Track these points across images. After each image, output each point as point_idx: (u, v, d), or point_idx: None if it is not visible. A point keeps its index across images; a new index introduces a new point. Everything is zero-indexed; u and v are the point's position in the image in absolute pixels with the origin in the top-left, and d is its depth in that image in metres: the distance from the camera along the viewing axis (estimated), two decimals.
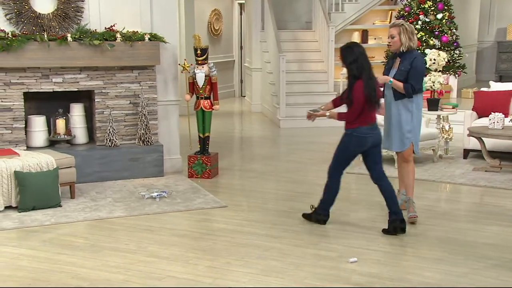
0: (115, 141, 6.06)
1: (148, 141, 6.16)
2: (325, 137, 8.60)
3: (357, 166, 6.73)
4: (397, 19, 9.48)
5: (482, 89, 7.77)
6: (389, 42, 4.72)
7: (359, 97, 4.27)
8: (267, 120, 10.28)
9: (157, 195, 5.35)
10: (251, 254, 4.11)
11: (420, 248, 4.28)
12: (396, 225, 4.44)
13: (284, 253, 4.10)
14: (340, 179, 4.62)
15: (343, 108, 4.48)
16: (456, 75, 9.68)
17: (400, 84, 4.62)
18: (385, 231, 4.48)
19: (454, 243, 4.33)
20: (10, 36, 5.57)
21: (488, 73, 12.63)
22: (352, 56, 4.32)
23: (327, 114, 4.50)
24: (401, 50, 4.68)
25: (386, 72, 4.83)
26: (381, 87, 4.96)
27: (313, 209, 4.76)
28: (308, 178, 6.30)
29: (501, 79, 11.95)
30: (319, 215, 4.70)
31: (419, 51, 6.62)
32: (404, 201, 4.91)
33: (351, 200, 5.60)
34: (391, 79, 4.66)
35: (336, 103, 4.66)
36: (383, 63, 10.07)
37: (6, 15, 5.72)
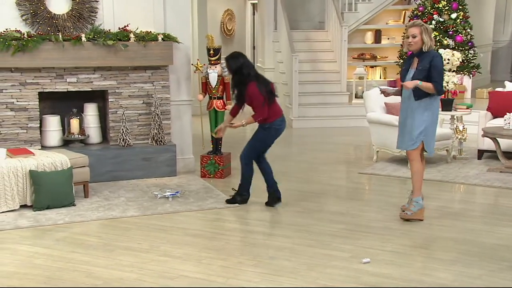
0: (128, 141, 6.09)
1: (161, 141, 6.19)
2: (337, 137, 8.59)
3: (370, 167, 6.71)
4: (411, 19, 9.43)
5: (497, 89, 7.69)
6: (410, 42, 4.67)
7: (258, 96, 4.80)
8: None
9: (170, 194, 5.38)
10: (264, 254, 4.11)
11: (434, 249, 4.26)
12: (274, 195, 5.15)
13: (296, 253, 4.10)
14: (253, 165, 5.13)
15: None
16: (471, 75, 9.60)
17: (430, 85, 4.59)
18: (266, 204, 5.15)
19: (468, 244, 4.30)
20: (26, 37, 5.63)
21: (503, 73, 12.50)
22: (237, 63, 4.90)
23: (244, 122, 4.94)
24: (422, 50, 4.66)
25: (404, 73, 4.80)
26: (396, 87, 4.94)
27: (235, 192, 5.19)
28: (320, 178, 6.29)
29: None
30: (243, 195, 5.17)
31: None
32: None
33: (364, 201, 5.58)
34: (420, 82, 4.61)
35: (235, 112, 5.15)
36: (396, 63, 10.02)
37: (22, 15, 5.78)
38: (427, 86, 4.60)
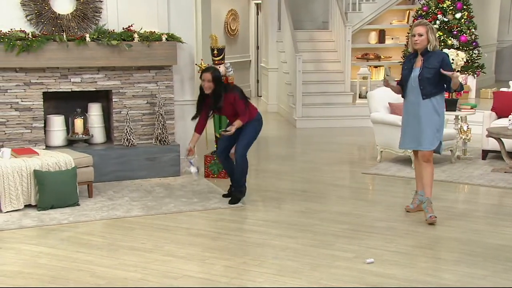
0: (132, 141, 6.10)
1: (165, 140, 6.20)
2: (341, 138, 8.58)
3: (373, 167, 6.70)
4: (416, 18, 9.41)
5: (502, 89, 7.67)
6: (416, 40, 4.67)
7: (241, 103, 5.12)
8: (283, 120, 10.28)
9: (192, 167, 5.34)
10: (267, 254, 4.12)
11: (438, 249, 4.25)
12: (237, 195, 5.28)
13: (300, 253, 4.10)
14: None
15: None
16: (475, 75, 9.58)
17: (458, 80, 4.63)
18: (230, 202, 5.26)
19: (473, 244, 4.29)
20: (30, 37, 5.65)
21: (508, 73, 12.45)
22: (219, 75, 5.24)
23: (235, 127, 5.10)
24: (427, 49, 4.67)
25: (407, 72, 4.79)
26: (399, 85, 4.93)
27: (232, 189, 5.33)
28: (324, 178, 6.29)
29: None
30: (242, 189, 5.27)
31: None
32: (422, 201, 4.88)
33: (367, 201, 5.57)
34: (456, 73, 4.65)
35: (202, 128, 5.33)
36: (400, 63, 10.00)
37: (26, 16, 5.80)
38: (457, 81, 4.64)
